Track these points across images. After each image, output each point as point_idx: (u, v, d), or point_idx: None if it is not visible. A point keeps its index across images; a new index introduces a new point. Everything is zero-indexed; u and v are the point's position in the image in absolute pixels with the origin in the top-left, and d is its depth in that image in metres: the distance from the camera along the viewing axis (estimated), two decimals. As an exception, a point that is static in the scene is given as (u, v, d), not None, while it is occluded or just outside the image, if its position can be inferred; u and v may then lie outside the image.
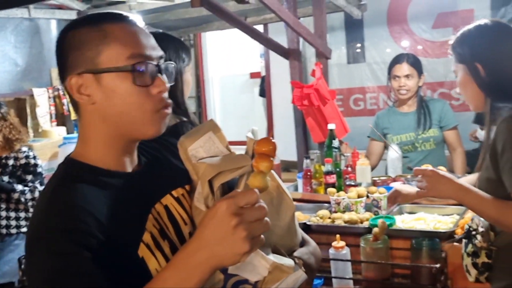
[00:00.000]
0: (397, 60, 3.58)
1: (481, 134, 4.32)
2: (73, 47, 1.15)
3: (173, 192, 1.27)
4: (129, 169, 1.23)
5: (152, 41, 1.20)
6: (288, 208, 1.24)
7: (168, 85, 1.19)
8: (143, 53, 1.15)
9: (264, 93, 7.11)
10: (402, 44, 5.69)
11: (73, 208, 1.09)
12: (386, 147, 3.62)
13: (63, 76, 1.19)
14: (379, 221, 2.42)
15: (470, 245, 1.97)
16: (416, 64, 3.53)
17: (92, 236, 1.05)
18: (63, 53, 1.17)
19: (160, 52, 1.21)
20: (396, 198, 2.38)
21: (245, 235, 0.92)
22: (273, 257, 1.13)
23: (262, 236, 0.96)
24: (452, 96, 5.37)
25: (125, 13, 1.23)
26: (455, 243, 2.35)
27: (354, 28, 5.85)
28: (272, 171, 1.22)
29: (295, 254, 1.26)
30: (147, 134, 1.19)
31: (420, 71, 3.53)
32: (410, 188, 2.34)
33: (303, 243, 1.33)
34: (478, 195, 1.83)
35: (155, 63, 1.17)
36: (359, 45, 5.91)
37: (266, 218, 0.96)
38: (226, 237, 0.93)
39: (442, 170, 1.97)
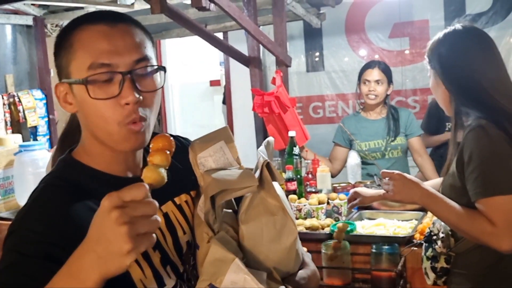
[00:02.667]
0: (368, 65, 3.65)
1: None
2: (57, 54, 1.14)
3: (176, 199, 1.24)
4: (130, 174, 1.19)
5: (126, 42, 1.09)
6: (290, 233, 1.18)
7: (138, 96, 1.07)
8: (103, 61, 1.06)
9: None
10: (360, 53, 5.77)
11: (54, 214, 1.05)
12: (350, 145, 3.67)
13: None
14: (339, 223, 2.45)
15: (430, 249, 2.01)
16: (387, 71, 3.60)
17: (62, 248, 0.98)
18: (55, 60, 1.15)
19: (136, 56, 1.09)
20: (355, 200, 2.41)
21: (125, 230, 0.81)
22: (267, 283, 1.10)
23: (153, 235, 0.86)
24: (409, 104, 5.48)
25: (105, 10, 1.17)
26: (413, 248, 2.40)
27: (313, 37, 5.90)
28: (281, 192, 1.20)
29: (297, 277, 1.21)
30: (122, 148, 1.13)
31: (390, 79, 3.60)
32: (370, 190, 2.38)
33: (302, 266, 1.27)
34: (444, 201, 1.86)
35: (124, 70, 1.07)
36: (318, 53, 5.96)
37: (156, 216, 0.86)
38: (106, 234, 0.83)
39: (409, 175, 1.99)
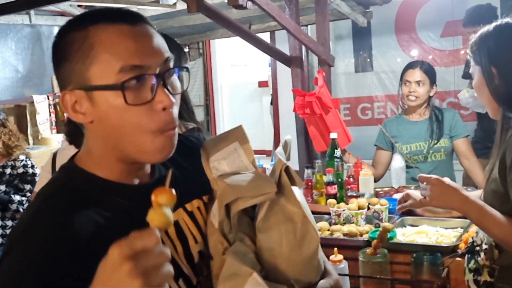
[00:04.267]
0: (410, 65, 3.50)
1: (464, 95, 4.18)
2: (63, 57, 1.00)
3: (187, 206, 1.15)
4: (136, 181, 1.10)
5: (152, 43, 1.00)
6: (312, 241, 1.10)
7: (173, 99, 0.99)
8: (137, 63, 0.96)
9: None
10: (410, 52, 5.61)
11: (55, 235, 0.95)
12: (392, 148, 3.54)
13: (60, 89, 1.05)
14: (381, 229, 2.31)
15: (472, 261, 1.86)
16: (429, 72, 3.43)
17: (63, 274, 0.92)
18: (55, 64, 1.03)
19: (165, 55, 1.01)
20: (406, 202, 2.23)
21: (139, 284, 0.76)
22: None
23: (167, 286, 0.80)
24: (462, 105, 5.27)
25: (121, 9, 1.05)
26: (457, 258, 2.25)
27: (361, 36, 5.78)
28: (301, 198, 1.11)
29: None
30: (153, 159, 1.03)
31: (433, 80, 3.43)
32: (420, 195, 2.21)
33: (323, 275, 1.18)
34: (484, 209, 1.71)
35: (155, 72, 0.98)
36: (366, 53, 5.83)
37: (168, 267, 0.80)
38: (118, 284, 0.77)
39: (448, 179, 1.85)
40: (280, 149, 1.19)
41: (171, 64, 1.03)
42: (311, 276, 1.13)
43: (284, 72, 5.59)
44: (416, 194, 2.16)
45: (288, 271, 1.08)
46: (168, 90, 0.99)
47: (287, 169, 1.10)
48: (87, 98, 0.99)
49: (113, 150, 1.04)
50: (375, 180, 3.29)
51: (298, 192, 1.13)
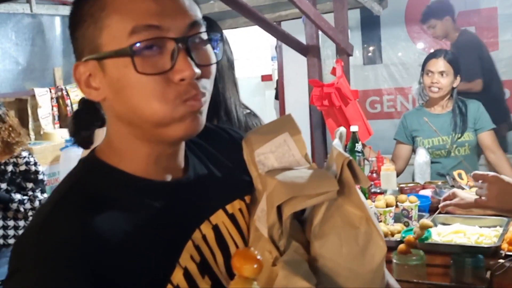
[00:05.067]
0: (433, 54, 3.34)
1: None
2: (76, 25, 0.87)
3: (228, 207, 0.98)
4: (169, 177, 0.93)
5: (173, 2, 0.84)
6: (377, 250, 0.92)
7: (197, 70, 0.82)
8: (150, 22, 0.81)
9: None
10: (420, 44, 5.44)
11: (73, 239, 0.80)
12: (414, 151, 3.37)
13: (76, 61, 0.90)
14: (418, 225, 2.13)
15: None
16: (453, 61, 3.27)
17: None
18: (71, 33, 0.89)
19: (193, 18, 0.85)
20: (451, 201, 2.05)
21: None
22: None
23: None
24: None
25: None
26: (501, 260, 2.09)
27: (370, 27, 5.61)
28: (362, 196, 0.93)
29: None
30: (174, 136, 0.86)
31: (457, 71, 3.27)
32: (469, 195, 2.03)
33: None
34: None
35: (174, 36, 0.82)
36: (375, 45, 5.67)
37: None
38: None
39: (506, 177, 1.68)
40: (337, 140, 1.02)
41: (201, 31, 0.86)
42: None
43: (292, 65, 5.45)
44: (462, 193, 1.99)
45: (348, 285, 0.91)
46: (191, 58, 0.82)
47: (350, 164, 0.92)
48: (100, 69, 0.85)
49: (131, 131, 0.88)
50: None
51: (360, 191, 0.96)
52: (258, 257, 0.73)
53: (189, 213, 0.91)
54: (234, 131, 1.14)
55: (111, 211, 0.84)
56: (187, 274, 0.86)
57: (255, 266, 0.72)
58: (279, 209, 0.90)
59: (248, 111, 1.81)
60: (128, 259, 0.82)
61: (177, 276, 0.85)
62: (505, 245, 2.14)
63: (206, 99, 0.87)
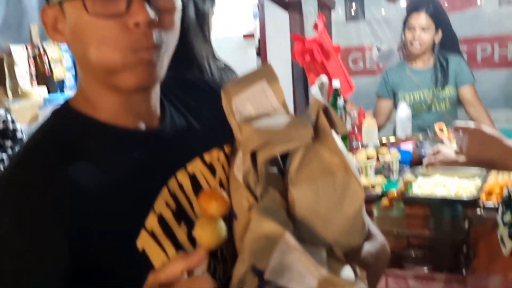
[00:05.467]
0: (415, 7, 3.28)
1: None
2: None
3: (205, 156, 0.96)
4: (142, 125, 0.91)
5: None
6: (355, 196, 0.90)
7: (152, 14, 0.79)
8: None
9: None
10: (403, 2, 5.39)
11: (49, 180, 0.80)
12: (395, 105, 3.37)
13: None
14: (402, 180, 2.13)
15: (508, 213, 1.71)
16: (435, 15, 3.23)
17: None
18: None
19: None
20: (436, 157, 2.04)
21: None
22: (327, 264, 0.83)
23: None
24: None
25: None
26: (479, 211, 2.11)
27: (353, -17, 5.56)
28: (342, 145, 0.91)
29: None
30: (125, 85, 0.84)
31: (438, 24, 3.24)
32: (452, 151, 2.00)
33: (367, 237, 0.99)
34: None
35: None
36: (358, 2, 5.62)
37: None
38: None
39: (488, 127, 1.67)
40: (315, 89, 1.00)
41: None
42: (354, 240, 0.94)
43: (274, 22, 5.39)
44: (446, 150, 1.97)
45: (326, 232, 0.89)
46: (148, 1, 0.80)
47: (326, 110, 0.90)
48: (61, 13, 0.84)
49: (94, 78, 0.86)
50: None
51: (338, 138, 0.94)
52: (224, 196, 0.73)
53: (164, 161, 0.90)
54: (215, 83, 1.12)
55: (84, 158, 0.83)
56: (162, 221, 0.85)
57: (221, 204, 0.72)
58: (254, 156, 0.88)
59: (223, 65, 1.77)
60: (102, 204, 0.81)
61: (152, 222, 0.84)
62: (483, 196, 2.16)
63: (163, 52, 0.85)
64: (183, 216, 0.89)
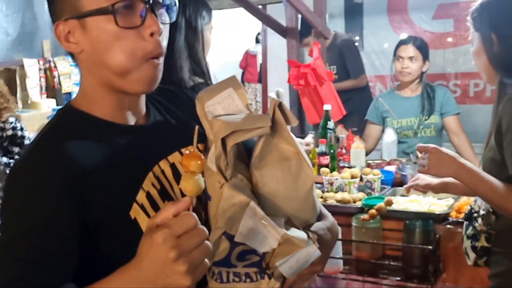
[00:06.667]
0: (403, 41, 3.53)
1: None
2: None
3: (183, 150, 1.17)
4: (132, 121, 1.13)
5: None
6: (307, 178, 1.12)
7: (161, 25, 1.03)
8: None
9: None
10: (401, 34, 5.62)
11: (55, 162, 1.00)
12: (383, 131, 3.57)
13: (53, 21, 1.08)
14: (383, 202, 2.32)
15: (470, 228, 1.90)
16: (422, 47, 3.46)
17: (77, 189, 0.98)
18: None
19: None
20: (417, 183, 2.21)
21: (185, 268, 0.85)
22: (285, 229, 1.04)
23: (206, 260, 0.89)
24: (450, 88, 5.31)
25: None
26: (449, 226, 2.29)
27: (353, 15, 5.79)
28: (293, 135, 1.12)
29: (311, 228, 1.16)
30: (138, 88, 1.06)
31: (425, 56, 3.47)
32: (429, 178, 2.18)
33: (320, 218, 1.21)
34: (481, 176, 1.75)
35: None
36: (358, 33, 5.84)
37: (207, 242, 0.88)
38: (165, 271, 0.85)
39: (445, 148, 1.88)
40: (272, 93, 1.21)
41: None
42: (308, 215, 1.16)
43: (275, 48, 5.60)
44: (424, 177, 2.16)
45: (284, 207, 1.11)
46: (156, 17, 1.03)
47: (280, 106, 1.11)
48: (80, 27, 1.03)
49: (101, 82, 1.07)
50: (365, 154, 3.33)
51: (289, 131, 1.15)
52: (201, 156, 0.92)
53: (149, 151, 1.12)
54: (191, 93, 1.34)
55: (84, 145, 1.05)
56: (149, 197, 1.07)
57: (199, 162, 0.91)
58: (224, 144, 1.09)
59: (201, 81, 1.95)
60: (100, 182, 1.02)
61: (141, 197, 1.06)
62: (453, 213, 2.35)
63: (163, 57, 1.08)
64: (166, 195, 1.10)
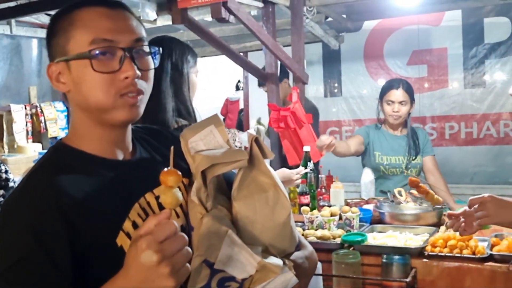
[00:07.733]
0: (392, 85, 3.62)
1: None
2: (52, 35, 1.17)
3: None
4: (120, 156, 1.22)
5: (126, 23, 1.15)
6: (283, 208, 1.19)
7: (138, 72, 1.12)
8: (106, 37, 1.11)
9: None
10: (377, 79, 5.80)
11: (47, 192, 1.08)
12: (363, 156, 3.69)
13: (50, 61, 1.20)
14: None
15: None
16: (410, 90, 3.60)
17: (57, 235, 1.06)
18: (47, 42, 1.19)
19: (137, 35, 1.15)
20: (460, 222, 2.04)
21: (168, 271, 0.91)
22: (262, 257, 1.11)
23: (187, 265, 0.96)
24: (427, 131, 5.48)
25: None
26: (425, 260, 2.38)
27: (331, 62, 5.95)
28: (270, 168, 1.21)
29: (290, 258, 1.21)
30: (116, 119, 1.15)
31: (412, 98, 3.61)
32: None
33: (299, 247, 1.26)
34: None
35: (123, 46, 1.12)
36: (336, 79, 6.00)
37: (187, 248, 0.95)
38: (151, 275, 0.92)
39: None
40: (252, 130, 1.31)
41: (144, 44, 1.17)
42: (285, 244, 1.21)
43: (256, 94, 5.74)
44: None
45: (262, 236, 1.17)
46: (135, 63, 1.12)
47: (257, 140, 1.19)
48: (67, 68, 1.14)
49: (89, 117, 1.17)
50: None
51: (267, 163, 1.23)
52: (178, 172, 1.00)
53: (136, 184, 1.20)
54: (175, 132, 1.45)
55: (75, 177, 1.13)
56: (135, 225, 1.14)
57: (176, 177, 0.99)
58: (205, 177, 1.17)
59: (186, 123, 2.05)
60: (89, 212, 1.10)
61: (127, 226, 1.13)
62: (429, 247, 2.44)
63: (144, 96, 1.18)
64: None
